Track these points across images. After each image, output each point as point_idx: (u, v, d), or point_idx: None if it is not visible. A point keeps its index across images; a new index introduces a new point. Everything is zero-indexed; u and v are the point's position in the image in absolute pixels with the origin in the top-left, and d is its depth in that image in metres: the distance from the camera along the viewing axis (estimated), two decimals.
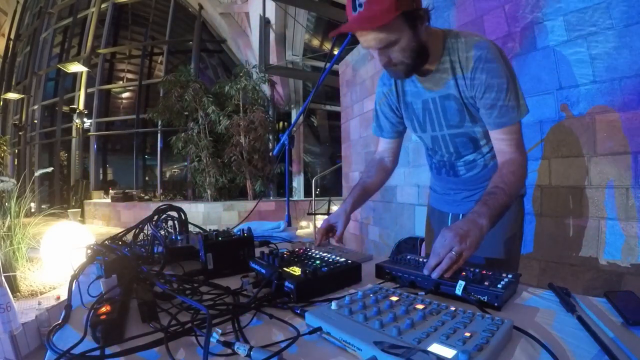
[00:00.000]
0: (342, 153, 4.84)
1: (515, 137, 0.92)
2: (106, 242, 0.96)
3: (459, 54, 0.91)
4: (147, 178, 12.41)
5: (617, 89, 1.65)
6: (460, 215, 1.16)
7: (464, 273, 0.73)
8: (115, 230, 2.00)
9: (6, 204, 3.49)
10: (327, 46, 9.24)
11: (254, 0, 8.53)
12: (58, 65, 10.71)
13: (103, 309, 0.57)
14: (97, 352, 0.49)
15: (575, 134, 1.82)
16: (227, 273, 0.89)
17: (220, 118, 8.06)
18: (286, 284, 0.70)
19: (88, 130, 11.17)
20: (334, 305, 0.59)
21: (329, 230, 1.11)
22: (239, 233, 0.96)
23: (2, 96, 13.33)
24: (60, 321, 0.63)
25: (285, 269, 0.76)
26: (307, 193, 10.03)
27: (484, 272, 0.74)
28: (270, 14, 8.23)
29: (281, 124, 10.88)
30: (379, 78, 1.15)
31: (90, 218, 9.31)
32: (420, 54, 0.88)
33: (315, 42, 9.90)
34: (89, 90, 11.31)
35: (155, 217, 1.11)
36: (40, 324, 2.10)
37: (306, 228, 7.48)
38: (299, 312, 0.63)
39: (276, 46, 8.93)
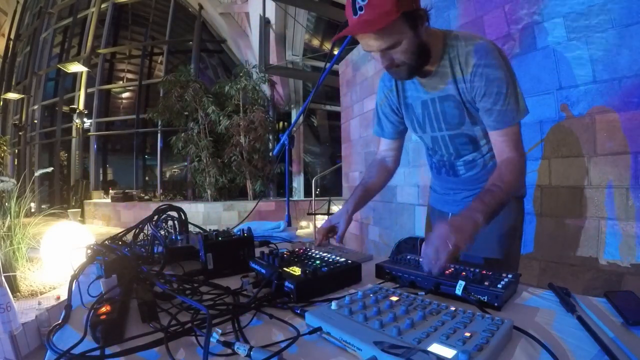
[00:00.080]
0: (342, 153, 4.83)
1: (514, 138, 0.92)
2: (106, 242, 0.95)
3: (459, 56, 0.91)
4: (147, 178, 12.41)
5: (617, 89, 1.65)
6: None
7: (464, 273, 0.73)
8: (115, 230, 1.99)
9: (6, 204, 3.49)
10: (327, 46, 9.23)
11: (254, 0, 8.52)
12: (58, 65, 10.70)
13: (103, 309, 0.57)
14: (97, 352, 0.49)
15: (575, 134, 1.82)
16: (227, 273, 0.89)
17: (220, 118, 8.05)
18: (286, 284, 0.70)
19: (88, 130, 11.16)
20: (334, 305, 0.59)
21: (329, 230, 1.12)
22: (239, 233, 0.96)
23: (2, 96, 13.32)
24: (60, 321, 0.63)
25: (285, 269, 0.76)
26: (307, 193, 10.02)
27: (484, 272, 0.74)
28: (270, 14, 8.22)
29: (281, 124, 10.88)
30: (380, 79, 1.15)
31: (90, 218, 9.30)
32: (422, 54, 0.88)
33: (315, 42, 9.89)
34: (89, 90, 11.31)
35: (155, 217, 1.11)
36: (40, 324, 2.09)
37: (306, 228, 7.48)
38: (299, 312, 0.63)
39: (276, 46, 8.92)
